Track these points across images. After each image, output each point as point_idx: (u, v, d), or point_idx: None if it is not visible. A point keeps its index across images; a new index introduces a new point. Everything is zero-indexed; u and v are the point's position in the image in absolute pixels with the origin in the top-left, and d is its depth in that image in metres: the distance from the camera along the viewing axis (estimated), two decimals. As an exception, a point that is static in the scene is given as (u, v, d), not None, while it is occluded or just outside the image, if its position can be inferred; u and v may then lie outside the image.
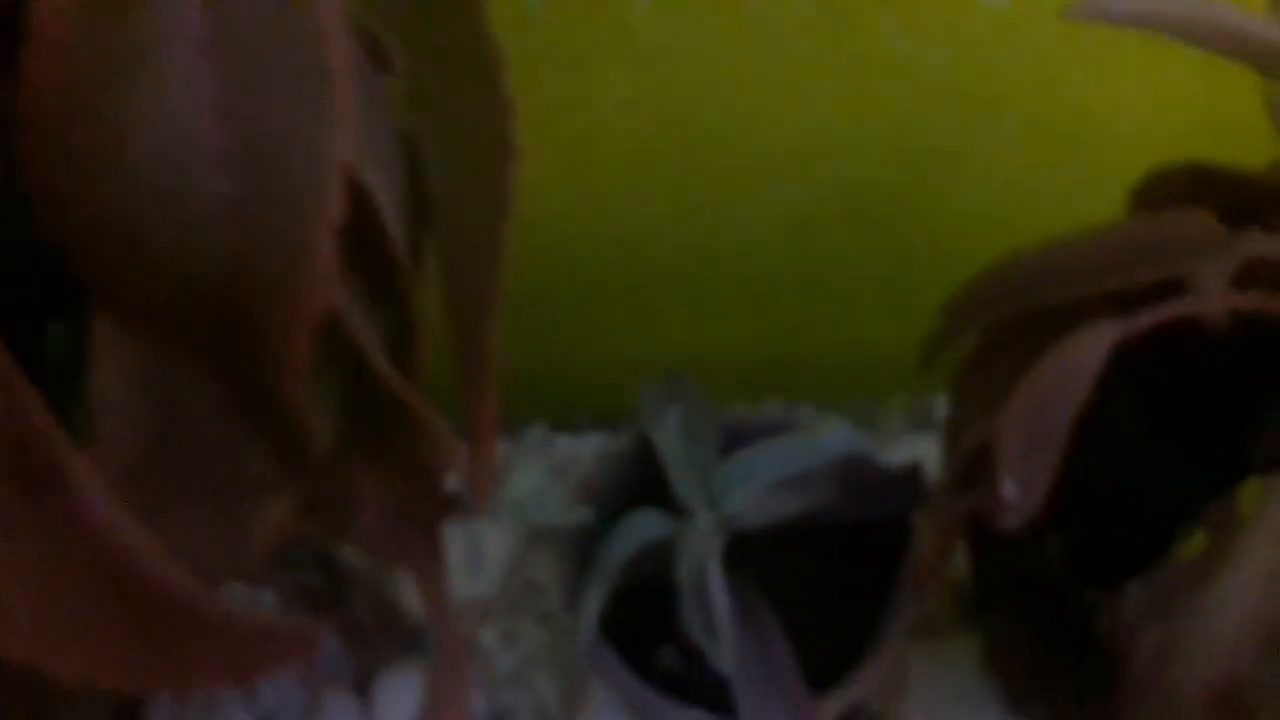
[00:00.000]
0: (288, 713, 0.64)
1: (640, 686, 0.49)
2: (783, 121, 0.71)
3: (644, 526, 0.49)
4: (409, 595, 0.64)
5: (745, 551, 0.52)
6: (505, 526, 0.74)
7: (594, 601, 0.49)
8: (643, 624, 0.53)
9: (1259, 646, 0.38)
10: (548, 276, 0.77)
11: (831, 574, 0.57)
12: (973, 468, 0.46)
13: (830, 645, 0.53)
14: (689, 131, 0.71)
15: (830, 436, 0.50)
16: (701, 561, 0.47)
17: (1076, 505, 0.47)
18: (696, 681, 0.49)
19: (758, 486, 0.49)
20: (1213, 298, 0.42)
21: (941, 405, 0.76)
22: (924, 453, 0.75)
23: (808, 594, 0.56)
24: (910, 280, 0.75)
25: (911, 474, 0.55)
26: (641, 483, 0.54)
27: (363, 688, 0.63)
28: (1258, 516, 0.39)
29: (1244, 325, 0.50)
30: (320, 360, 0.34)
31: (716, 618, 0.45)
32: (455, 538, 0.69)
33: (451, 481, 0.48)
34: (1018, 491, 0.43)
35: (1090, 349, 0.43)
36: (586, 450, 0.75)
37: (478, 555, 0.70)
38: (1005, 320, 0.48)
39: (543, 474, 0.56)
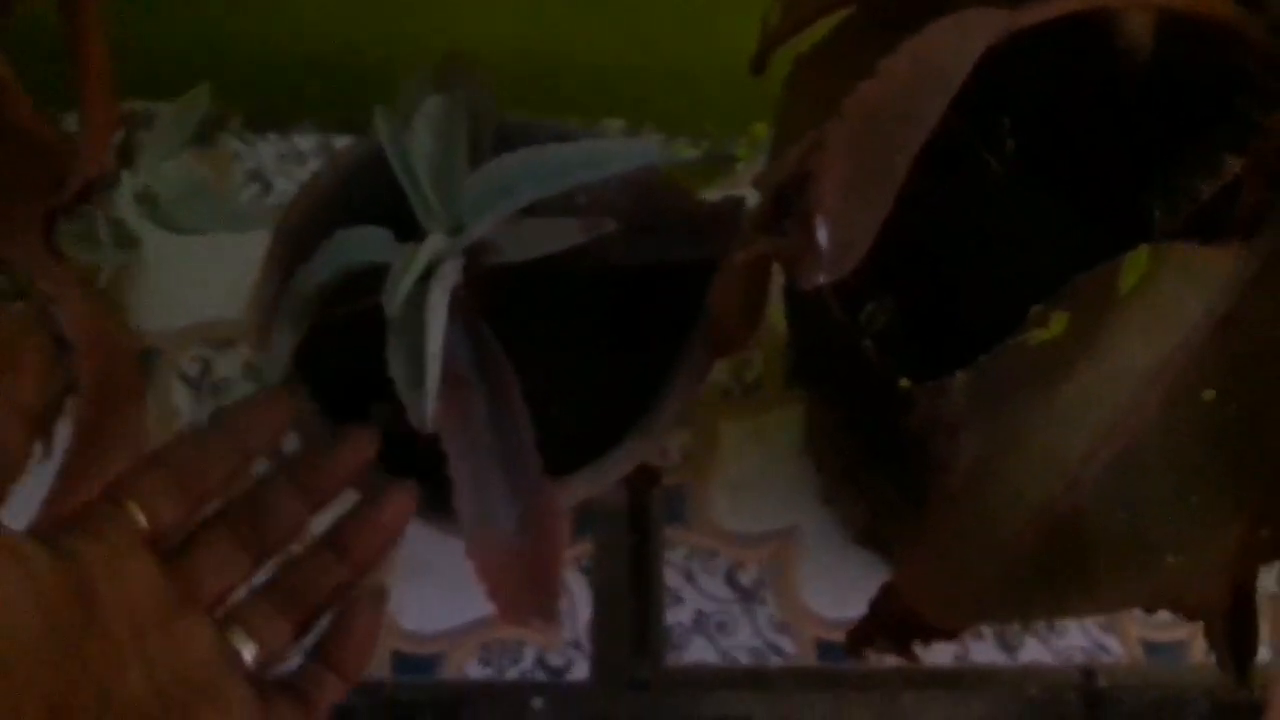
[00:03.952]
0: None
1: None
2: None
3: (356, 247, 0.37)
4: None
5: (502, 292, 0.41)
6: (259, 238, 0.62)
7: (284, 339, 0.37)
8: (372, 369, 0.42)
9: (1111, 468, 0.28)
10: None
11: (618, 328, 0.46)
12: (784, 202, 0.34)
13: (609, 410, 0.43)
14: None
15: (619, 147, 0.38)
16: (418, 293, 0.35)
17: (907, 264, 0.36)
18: (415, 443, 0.38)
19: (513, 206, 0.37)
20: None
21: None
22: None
23: (583, 349, 0.45)
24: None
25: (729, 211, 0.44)
26: (383, 200, 0.41)
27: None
28: (1141, 293, 0.28)
29: (1170, 45, 0.38)
30: None
31: (427, 365, 0.34)
32: (189, 247, 0.56)
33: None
34: (833, 240, 0.32)
35: (958, 45, 0.30)
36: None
37: (219, 269, 0.57)
38: (864, 5, 0.35)
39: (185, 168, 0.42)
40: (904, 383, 0.33)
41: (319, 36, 0.64)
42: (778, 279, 0.41)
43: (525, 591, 0.36)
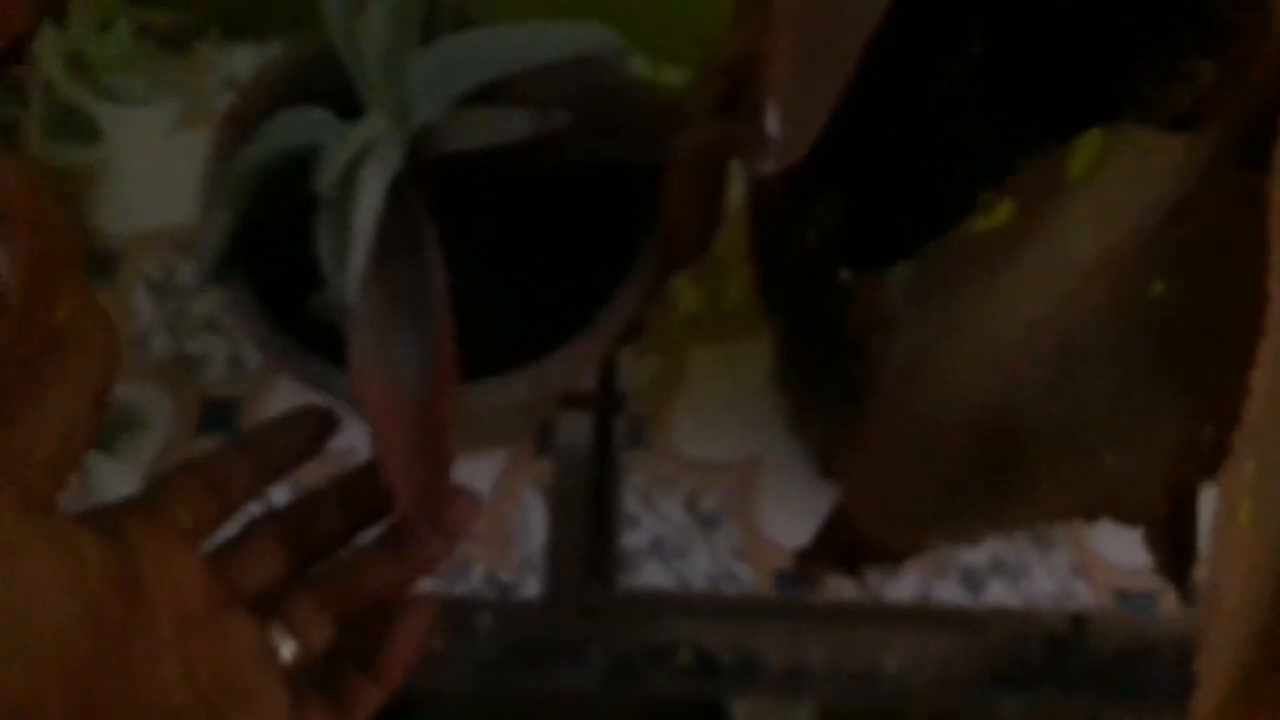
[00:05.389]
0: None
1: (260, 327, 0.37)
2: None
3: (296, 128, 0.36)
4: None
5: (450, 185, 0.39)
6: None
7: (219, 222, 0.36)
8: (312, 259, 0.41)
9: (1051, 362, 0.27)
10: None
11: (574, 230, 0.44)
12: (736, 87, 0.33)
13: (559, 315, 0.41)
14: None
15: (576, 31, 0.36)
16: (354, 174, 0.34)
17: (864, 163, 0.34)
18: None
19: (460, 88, 0.36)
20: None
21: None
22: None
23: (535, 250, 0.44)
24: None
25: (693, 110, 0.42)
26: (336, 91, 0.40)
27: None
28: (1091, 180, 0.26)
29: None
30: None
31: (352, 242, 0.32)
32: (155, 147, 0.55)
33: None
34: (783, 125, 0.30)
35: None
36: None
37: (185, 171, 0.56)
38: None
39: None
40: (845, 275, 0.31)
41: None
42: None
43: (416, 457, 0.34)
